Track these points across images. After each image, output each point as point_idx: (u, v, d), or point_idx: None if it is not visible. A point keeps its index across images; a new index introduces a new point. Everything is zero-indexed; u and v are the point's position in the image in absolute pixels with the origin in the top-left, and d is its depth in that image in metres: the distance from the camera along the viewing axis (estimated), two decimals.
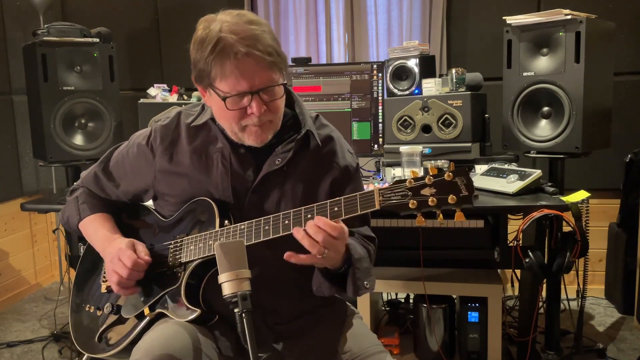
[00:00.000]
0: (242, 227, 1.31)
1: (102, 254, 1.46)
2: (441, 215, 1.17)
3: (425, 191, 1.16)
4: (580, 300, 2.31)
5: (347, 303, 1.56)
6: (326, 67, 2.78)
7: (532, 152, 2.43)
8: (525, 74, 2.40)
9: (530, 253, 2.07)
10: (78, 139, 2.76)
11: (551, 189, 2.19)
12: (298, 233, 1.22)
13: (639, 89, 3.16)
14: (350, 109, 2.63)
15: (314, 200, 1.27)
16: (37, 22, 3.45)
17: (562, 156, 2.38)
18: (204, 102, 1.46)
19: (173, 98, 2.86)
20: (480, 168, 2.40)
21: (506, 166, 2.33)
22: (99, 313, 1.49)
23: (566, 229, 2.14)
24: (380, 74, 2.59)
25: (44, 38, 2.68)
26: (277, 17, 3.73)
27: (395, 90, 2.57)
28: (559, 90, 2.31)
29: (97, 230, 1.50)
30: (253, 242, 1.28)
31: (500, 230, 2.13)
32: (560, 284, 2.32)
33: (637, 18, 3.13)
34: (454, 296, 2.39)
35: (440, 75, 2.61)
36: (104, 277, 1.53)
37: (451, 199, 1.14)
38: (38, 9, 3.44)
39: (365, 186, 1.42)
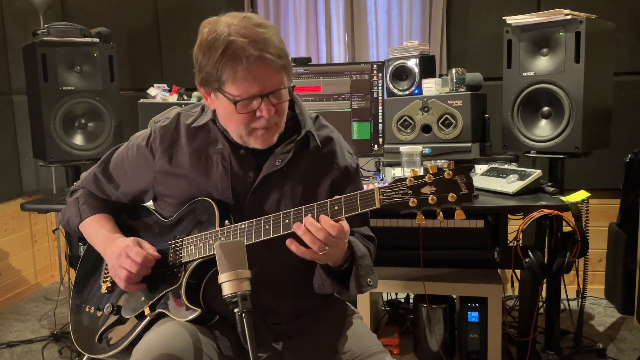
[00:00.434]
0: (243, 226, 1.31)
1: (103, 254, 1.46)
2: (441, 214, 1.17)
3: (425, 190, 1.17)
4: (580, 300, 2.31)
5: (347, 303, 1.56)
6: (326, 67, 2.78)
7: (532, 152, 2.43)
8: (525, 74, 2.40)
9: (530, 253, 2.07)
10: (78, 139, 2.76)
11: (551, 189, 2.19)
12: (299, 229, 1.22)
13: (639, 89, 3.17)
14: (350, 109, 2.62)
15: (313, 201, 1.27)
16: (37, 22, 3.45)
17: (562, 156, 2.38)
18: (203, 103, 1.46)
19: (173, 98, 2.85)
20: (480, 168, 2.40)
21: (506, 166, 2.33)
22: (99, 313, 1.49)
23: (566, 229, 2.14)
24: (380, 74, 2.59)
25: (44, 38, 2.68)
26: (277, 17, 3.73)
27: (395, 90, 2.57)
28: (559, 90, 2.31)
29: (97, 230, 1.50)
30: (253, 241, 1.28)
31: (500, 230, 2.13)
32: (560, 284, 2.32)
33: (637, 18, 3.13)
34: (454, 296, 2.39)
35: (440, 75, 2.61)
36: (105, 277, 1.53)
37: (451, 197, 1.15)
38: (38, 9, 3.44)
39: (365, 186, 1.42)
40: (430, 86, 2.47)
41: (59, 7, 3.78)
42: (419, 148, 2.18)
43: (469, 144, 2.38)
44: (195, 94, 2.89)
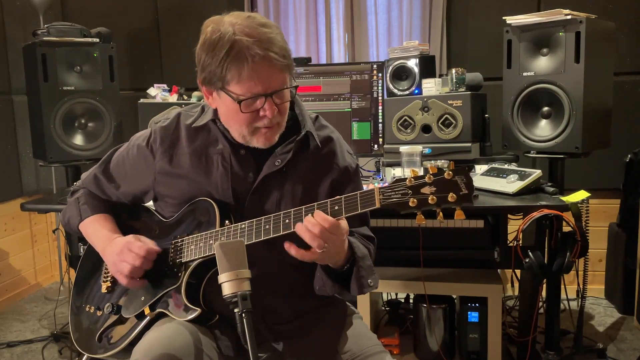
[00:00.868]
0: (243, 226, 1.31)
1: (102, 253, 1.46)
2: (441, 214, 1.17)
3: (425, 190, 1.17)
4: (580, 300, 2.31)
5: (347, 303, 1.56)
6: (326, 67, 2.78)
7: (532, 152, 2.43)
8: (525, 74, 2.40)
9: (530, 253, 2.07)
10: (78, 139, 2.76)
11: (551, 189, 2.19)
12: (300, 228, 1.22)
13: (639, 89, 3.16)
14: (350, 109, 2.62)
15: (313, 201, 1.27)
16: (37, 22, 3.45)
17: (562, 156, 2.38)
18: (203, 104, 1.46)
19: (173, 98, 2.85)
20: (480, 168, 2.40)
21: (506, 166, 2.33)
22: (99, 313, 1.49)
23: (566, 229, 2.14)
24: (380, 74, 2.59)
25: (44, 38, 2.68)
26: (277, 17, 3.73)
27: (395, 90, 2.57)
28: (559, 90, 2.31)
29: (97, 230, 1.50)
30: (254, 240, 1.28)
31: (500, 230, 2.13)
32: (560, 284, 2.32)
33: (637, 18, 3.13)
34: (454, 296, 2.39)
35: (440, 75, 2.61)
36: (105, 277, 1.53)
37: (451, 197, 1.15)
38: (38, 9, 3.44)
39: (365, 186, 1.42)
40: (430, 86, 2.47)
41: (59, 7, 3.78)
42: (419, 148, 2.18)
43: (469, 144, 2.38)
44: (195, 94, 2.89)
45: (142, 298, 1.41)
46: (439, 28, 3.38)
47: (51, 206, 2.45)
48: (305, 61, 2.68)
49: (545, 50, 2.36)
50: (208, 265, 1.35)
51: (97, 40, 2.79)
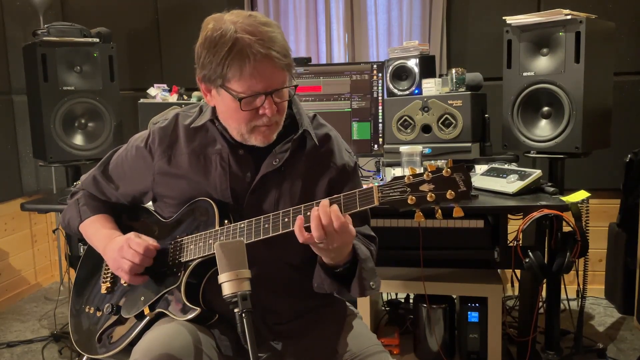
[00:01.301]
0: (242, 225, 1.31)
1: (102, 253, 1.46)
2: (440, 211, 1.17)
3: (424, 187, 1.17)
4: (580, 300, 2.31)
5: (347, 303, 1.56)
6: (326, 67, 2.78)
7: (532, 152, 2.43)
8: (525, 74, 2.40)
9: (530, 253, 2.07)
10: (78, 139, 2.76)
11: (551, 189, 2.19)
12: (313, 213, 1.20)
13: (639, 89, 3.16)
14: (350, 109, 2.62)
15: (312, 200, 1.27)
16: (37, 22, 3.45)
17: (562, 156, 2.38)
18: (202, 104, 1.46)
19: (173, 98, 2.85)
20: (480, 168, 2.40)
21: (506, 166, 2.33)
22: (98, 314, 1.49)
23: (566, 229, 2.14)
24: (380, 74, 2.59)
25: (44, 38, 2.68)
26: (277, 17, 3.73)
27: (395, 90, 2.57)
28: (559, 90, 2.31)
29: (98, 230, 1.50)
30: (253, 240, 1.28)
31: (500, 230, 2.13)
32: (560, 284, 2.32)
33: (637, 18, 3.13)
34: (454, 296, 2.39)
35: (440, 75, 2.61)
36: (104, 278, 1.53)
37: (449, 194, 1.15)
38: (38, 9, 3.44)
39: (364, 186, 1.42)
40: (430, 86, 2.47)
41: (59, 7, 3.78)
42: (419, 148, 2.18)
43: (469, 144, 2.38)
44: (195, 94, 2.89)
45: (142, 298, 1.41)
46: (439, 28, 3.38)
47: (51, 206, 2.45)
48: (305, 61, 2.68)
49: (545, 50, 2.36)
50: (208, 265, 1.35)
51: (97, 40, 2.79)
